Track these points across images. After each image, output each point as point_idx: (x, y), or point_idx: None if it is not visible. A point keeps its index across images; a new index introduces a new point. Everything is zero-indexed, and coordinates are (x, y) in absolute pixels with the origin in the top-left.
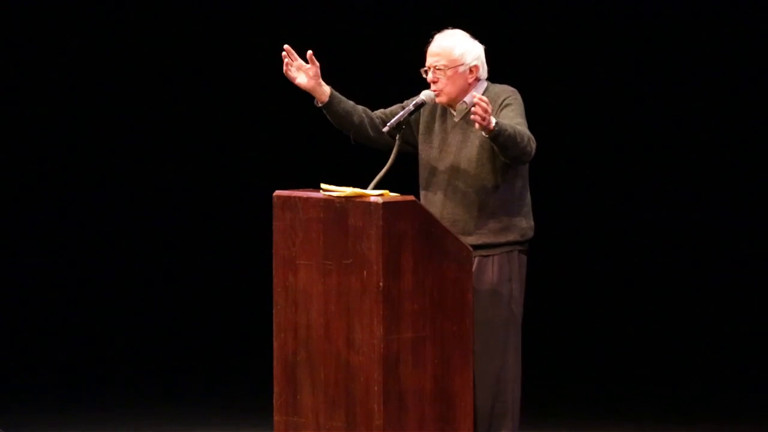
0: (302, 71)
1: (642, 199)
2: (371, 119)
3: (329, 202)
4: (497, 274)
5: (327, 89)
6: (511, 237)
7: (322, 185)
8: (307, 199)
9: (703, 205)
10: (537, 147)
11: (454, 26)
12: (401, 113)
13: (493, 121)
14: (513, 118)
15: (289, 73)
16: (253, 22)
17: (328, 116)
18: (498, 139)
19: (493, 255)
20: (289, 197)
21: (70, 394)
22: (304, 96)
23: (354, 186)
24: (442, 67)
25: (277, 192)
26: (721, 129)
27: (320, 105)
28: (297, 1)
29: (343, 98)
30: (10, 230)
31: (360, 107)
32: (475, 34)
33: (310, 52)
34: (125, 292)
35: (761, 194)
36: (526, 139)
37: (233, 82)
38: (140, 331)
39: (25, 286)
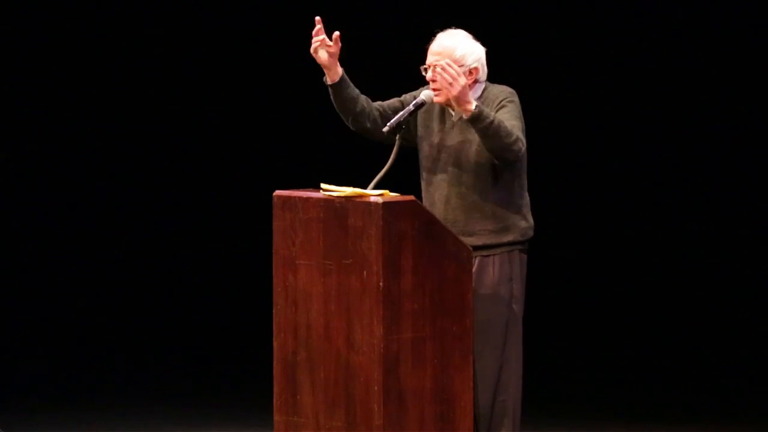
0: (324, 47)
1: (642, 197)
2: (371, 110)
3: (329, 202)
4: (498, 274)
5: (340, 70)
6: (510, 237)
7: (322, 185)
8: (307, 199)
9: (704, 203)
10: (538, 151)
11: (457, 26)
12: (401, 113)
13: (474, 103)
14: (508, 120)
15: (316, 49)
16: (254, 22)
17: (332, 97)
18: (478, 123)
19: (494, 255)
20: (289, 197)
21: (69, 393)
22: (303, 97)
23: (354, 186)
24: None
25: (277, 192)
26: (721, 128)
27: (329, 83)
28: (297, 1)
29: (351, 84)
30: (10, 230)
31: (363, 96)
32: (477, 34)
33: (336, 33)
34: (125, 292)
35: (762, 194)
36: (513, 137)
37: (233, 82)
38: (140, 330)
39: (24, 286)
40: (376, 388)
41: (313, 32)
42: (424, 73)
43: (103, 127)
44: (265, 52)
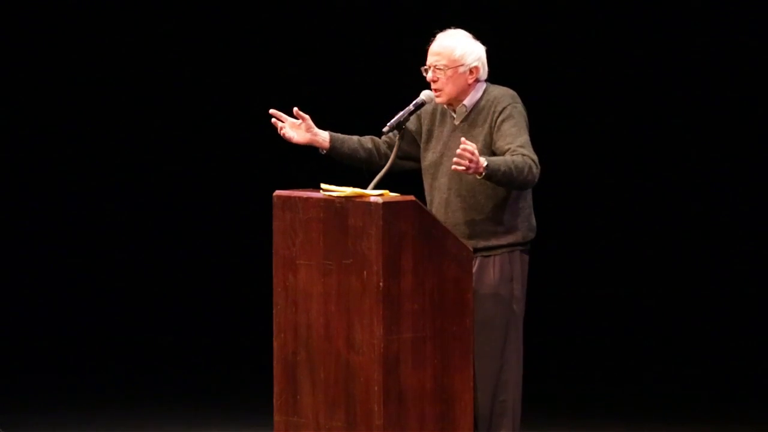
0: (295, 129)
1: (643, 198)
2: (379, 147)
3: (329, 202)
4: (498, 274)
5: (326, 135)
6: (512, 239)
7: (322, 185)
8: (307, 199)
9: (704, 204)
10: (538, 152)
11: (457, 26)
12: (401, 113)
13: (484, 163)
14: (516, 135)
15: (285, 134)
16: (254, 21)
17: (336, 159)
18: (491, 179)
19: (494, 255)
20: (289, 197)
21: (69, 394)
22: (304, 96)
23: (354, 186)
24: (442, 67)
25: (277, 192)
26: (720, 128)
27: (324, 152)
28: (298, 0)
29: (345, 137)
30: (10, 230)
31: (366, 138)
32: (477, 35)
33: (295, 108)
34: (125, 293)
35: (761, 194)
36: (525, 170)
37: (233, 82)
38: (140, 330)
39: (24, 286)
40: (376, 388)
41: (274, 124)
42: (424, 74)
43: (103, 128)
44: (265, 51)
